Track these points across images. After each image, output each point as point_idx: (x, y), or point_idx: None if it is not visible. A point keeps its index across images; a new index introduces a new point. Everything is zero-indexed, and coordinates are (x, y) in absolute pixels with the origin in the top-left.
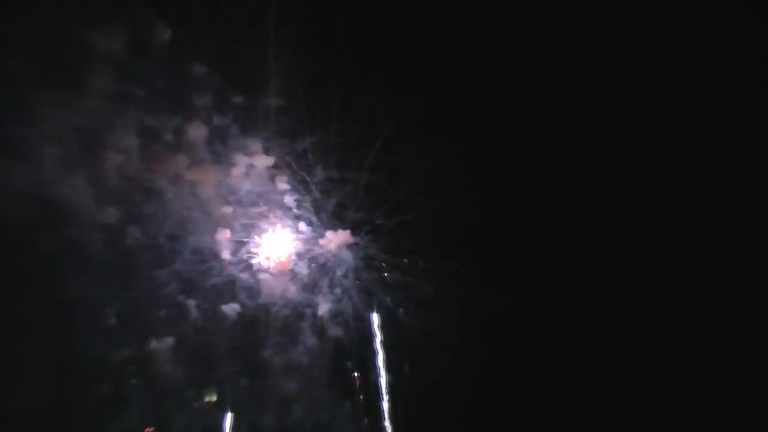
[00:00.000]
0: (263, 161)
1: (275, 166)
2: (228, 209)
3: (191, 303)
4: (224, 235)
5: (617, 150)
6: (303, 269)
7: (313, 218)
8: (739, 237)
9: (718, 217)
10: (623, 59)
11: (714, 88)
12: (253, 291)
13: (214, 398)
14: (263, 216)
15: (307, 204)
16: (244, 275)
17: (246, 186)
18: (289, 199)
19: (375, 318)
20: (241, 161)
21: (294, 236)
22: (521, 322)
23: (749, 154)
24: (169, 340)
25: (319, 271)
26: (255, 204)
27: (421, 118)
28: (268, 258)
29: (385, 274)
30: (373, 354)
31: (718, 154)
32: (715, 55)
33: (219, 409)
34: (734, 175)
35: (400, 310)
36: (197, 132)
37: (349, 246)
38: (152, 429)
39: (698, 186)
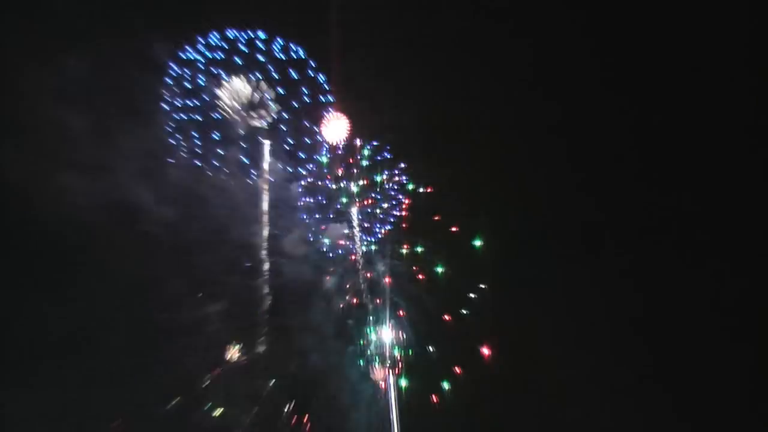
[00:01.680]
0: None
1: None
2: (258, 210)
3: (234, 279)
4: (256, 229)
5: None
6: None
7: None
8: None
9: None
10: None
11: None
12: (278, 270)
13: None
14: (282, 216)
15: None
16: (271, 259)
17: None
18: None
19: (366, 286)
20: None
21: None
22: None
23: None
24: (219, 306)
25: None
26: (274, 206)
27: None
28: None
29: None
30: (365, 314)
31: None
32: None
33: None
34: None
35: (385, 281)
36: (234, 154)
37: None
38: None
39: None
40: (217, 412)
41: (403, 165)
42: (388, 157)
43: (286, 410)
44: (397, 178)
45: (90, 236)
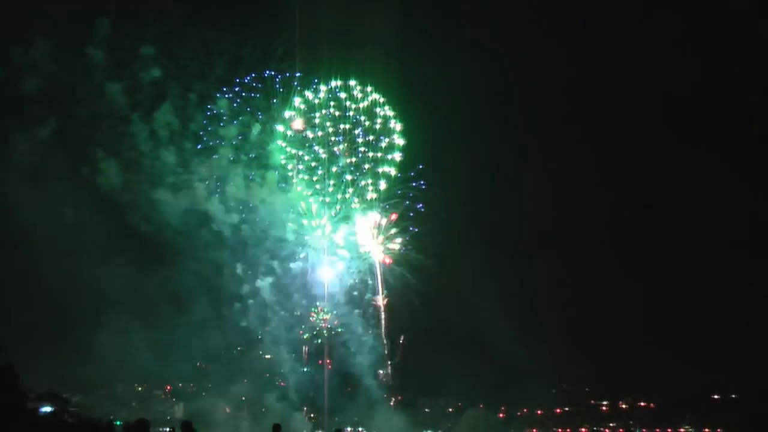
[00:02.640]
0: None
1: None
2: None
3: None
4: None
5: None
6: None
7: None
8: None
9: None
10: None
11: None
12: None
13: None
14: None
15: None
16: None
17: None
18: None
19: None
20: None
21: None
22: None
23: None
24: (269, 280)
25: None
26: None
27: None
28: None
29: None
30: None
31: None
32: None
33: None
34: None
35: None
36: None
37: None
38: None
39: None
40: (267, 355)
41: None
42: None
43: None
44: None
45: (180, 234)
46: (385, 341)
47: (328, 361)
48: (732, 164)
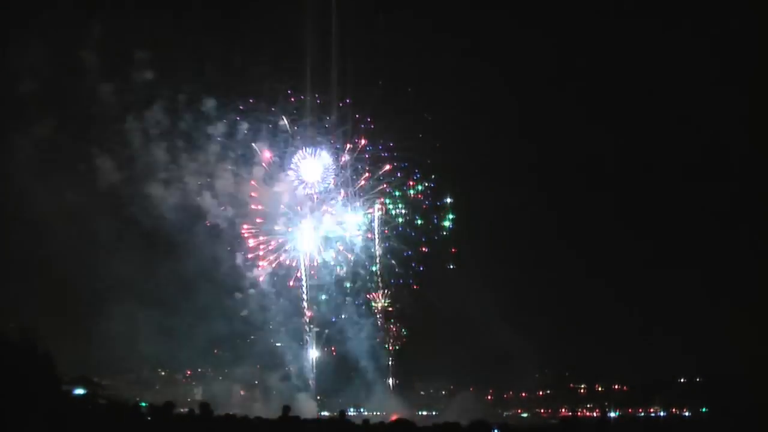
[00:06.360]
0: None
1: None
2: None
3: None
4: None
5: None
6: None
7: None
8: None
9: None
10: None
11: None
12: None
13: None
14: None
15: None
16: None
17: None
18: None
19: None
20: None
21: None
22: None
23: None
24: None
25: None
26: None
27: None
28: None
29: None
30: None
31: None
32: None
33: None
34: None
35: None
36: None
37: None
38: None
39: None
40: (278, 343)
41: None
42: None
43: None
44: None
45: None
46: (380, 329)
47: (332, 348)
48: None
